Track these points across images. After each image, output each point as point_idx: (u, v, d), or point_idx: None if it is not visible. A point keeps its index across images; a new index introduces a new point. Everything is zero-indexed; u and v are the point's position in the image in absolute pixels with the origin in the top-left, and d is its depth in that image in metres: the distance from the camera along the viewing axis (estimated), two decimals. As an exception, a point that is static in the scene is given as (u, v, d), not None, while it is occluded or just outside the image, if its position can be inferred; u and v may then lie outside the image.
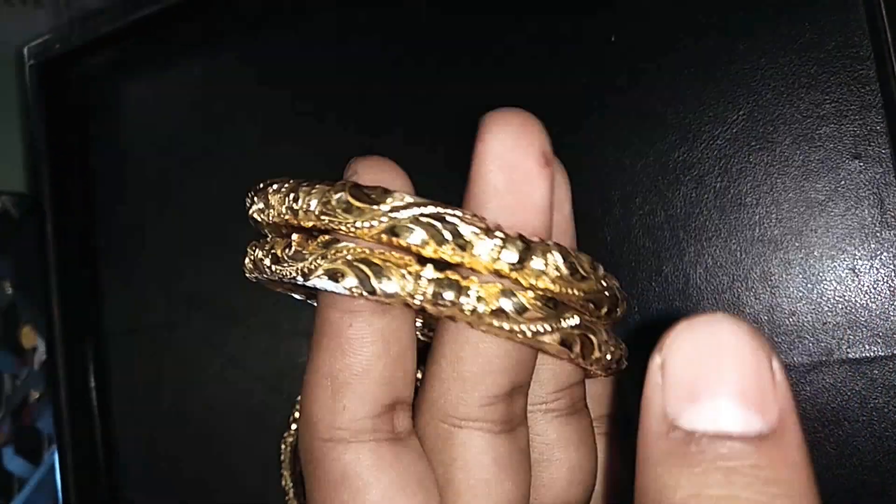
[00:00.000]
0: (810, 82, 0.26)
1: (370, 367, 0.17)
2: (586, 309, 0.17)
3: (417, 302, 0.16)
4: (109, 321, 0.42)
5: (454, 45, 0.32)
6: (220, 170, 0.38)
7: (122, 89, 0.41)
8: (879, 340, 0.25)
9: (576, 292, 0.16)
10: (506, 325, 0.16)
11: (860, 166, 0.25)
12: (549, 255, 0.16)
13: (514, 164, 0.16)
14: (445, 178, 0.33)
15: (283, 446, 0.34)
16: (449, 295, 0.16)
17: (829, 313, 0.26)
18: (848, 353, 0.25)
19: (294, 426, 0.34)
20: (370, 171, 0.18)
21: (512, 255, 0.16)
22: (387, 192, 0.16)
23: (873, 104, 0.25)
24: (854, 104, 0.26)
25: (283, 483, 0.34)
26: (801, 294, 0.26)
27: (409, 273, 0.16)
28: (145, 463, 0.41)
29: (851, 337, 0.25)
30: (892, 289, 0.25)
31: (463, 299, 0.16)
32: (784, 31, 0.26)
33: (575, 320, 0.17)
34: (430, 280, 0.16)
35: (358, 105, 0.35)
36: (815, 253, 0.26)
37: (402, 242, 0.16)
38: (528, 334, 0.16)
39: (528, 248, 0.16)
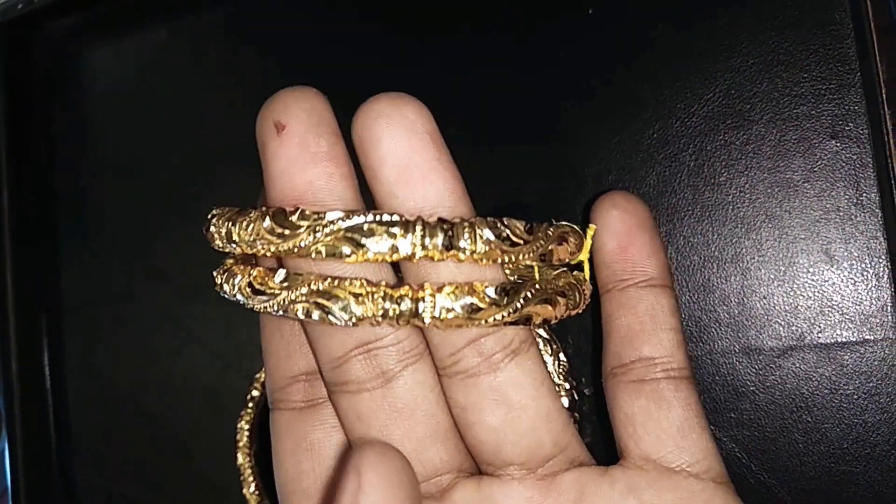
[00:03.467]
0: (789, 60, 0.25)
1: (268, 344, 0.20)
2: (542, 263, 0.17)
3: (381, 321, 0.17)
4: (65, 295, 0.40)
5: (433, 17, 0.32)
6: (184, 140, 0.37)
7: (87, 54, 0.40)
8: (851, 325, 0.24)
9: (519, 257, 0.17)
10: (465, 324, 0.17)
11: (837, 146, 0.25)
12: (477, 230, 0.17)
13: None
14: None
15: (239, 424, 0.33)
16: (406, 311, 0.17)
17: (802, 297, 0.25)
18: (819, 337, 0.25)
19: (251, 405, 0.33)
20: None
21: (438, 240, 0.16)
22: (304, 216, 0.17)
23: (852, 83, 0.25)
24: (833, 83, 0.25)
25: (239, 461, 0.33)
26: (773, 276, 0.25)
27: (368, 296, 0.17)
28: (98, 441, 0.39)
29: (823, 321, 0.25)
30: (865, 272, 0.24)
31: (422, 310, 0.17)
32: (764, 8, 0.26)
33: (527, 295, 0.17)
34: (387, 298, 0.17)
35: (331, 73, 0.34)
36: (789, 235, 0.25)
37: (338, 260, 0.17)
38: (489, 324, 0.17)
39: (451, 229, 0.16)
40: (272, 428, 0.20)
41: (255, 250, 0.17)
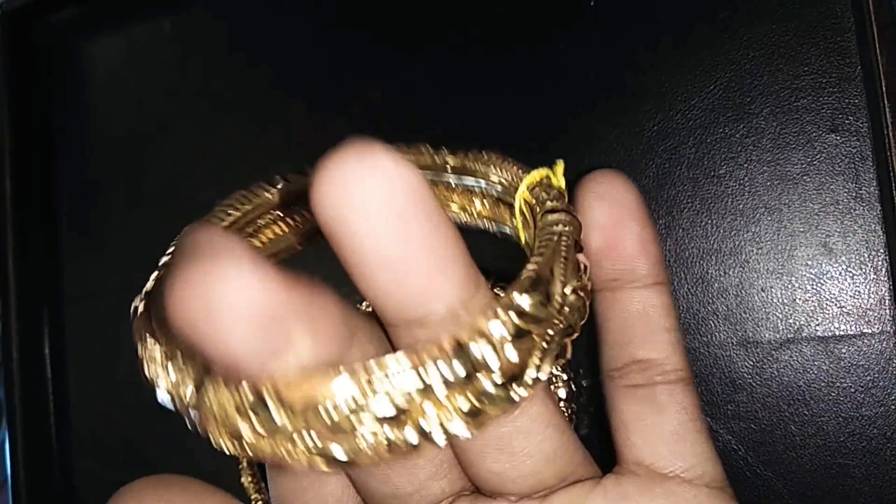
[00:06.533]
0: (790, 53, 0.25)
1: None
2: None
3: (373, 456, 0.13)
4: (67, 285, 0.41)
5: (430, 12, 0.32)
6: (186, 131, 0.37)
7: (89, 45, 0.40)
8: (849, 319, 0.24)
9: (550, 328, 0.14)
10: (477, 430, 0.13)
11: (837, 140, 0.25)
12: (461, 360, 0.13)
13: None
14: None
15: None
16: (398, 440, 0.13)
17: (800, 290, 0.25)
18: (817, 330, 0.25)
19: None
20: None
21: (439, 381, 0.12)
22: (264, 405, 0.12)
23: (852, 76, 0.25)
24: (833, 76, 0.25)
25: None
26: (771, 269, 0.25)
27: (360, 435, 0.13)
28: (98, 431, 0.40)
29: (821, 314, 0.25)
30: (864, 266, 0.24)
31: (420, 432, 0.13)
32: (765, 1, 0.26)
33: (536, 365, 0.14)
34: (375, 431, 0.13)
35: (333, 66, 0.34)
36: (788, 227, 0.25)
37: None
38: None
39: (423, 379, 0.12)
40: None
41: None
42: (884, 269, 0.24)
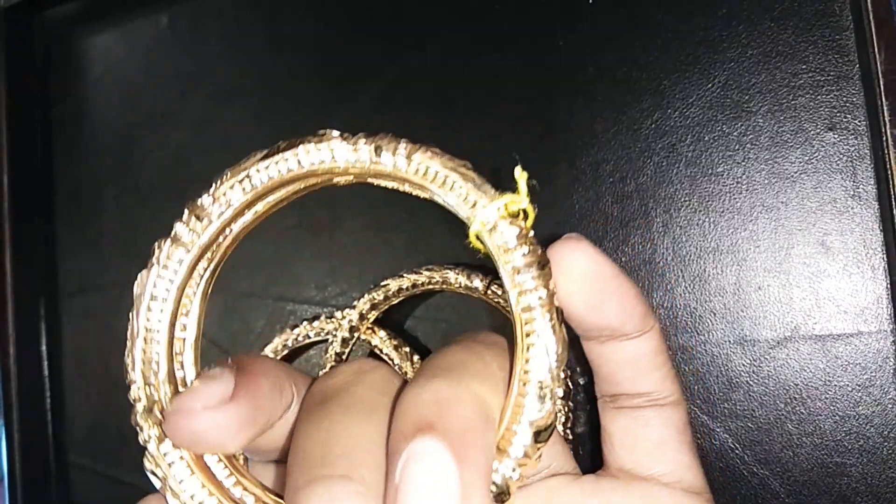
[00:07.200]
0: (788, 51, 0.25)
1: None
2: None
3: None
4: (63, 280, 0.40)
5: (429, 9, 0.31)
6: (181, 127, 0.37)
7: (86, 40, 0.40)
8: (846, 317, 0.24)
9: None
10: None
11: (834, 138, 0.25)
12: None
13: None
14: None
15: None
16: None
17: (797, 288, 0.25)
18: (814, 329, 0.25)
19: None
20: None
21: None
22: None
23: (850, 75, 0.25)
24: (831, 74, 0.25)
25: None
26: (769, 268, 0.25)
27: None
28: (93, 426, 0.39)
29: (818, 313, 0.25)
30: (861, 264, 0.24)
31: None
32: (764, -1, 0.26)
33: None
34: None
35: (332, 62, 0.34)
36: (786, 226, 0.25)
37: None
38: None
39: None
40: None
41: None
42: (881, 268, 0.24)
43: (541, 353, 0.15)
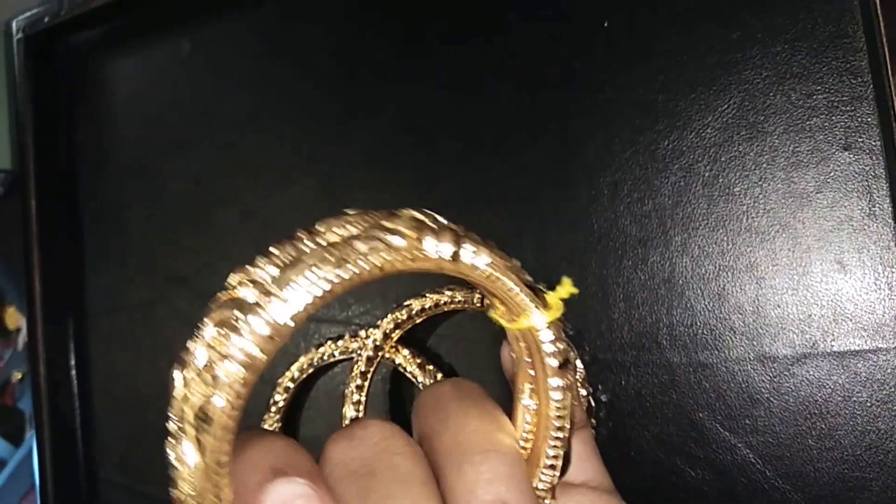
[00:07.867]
0: (802, 72, 0.26)
1: None
2: None
3: None
4: (91, 300, 0.41)
5: (449, 27, 0.32)
6: (205, 148, 0.38)
7: (110, 65, 0.40)
8: (864, 333, 0.25)
9: None
10: None
11: (850, 158, 0.25)
12: None
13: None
14: (432, 166, 0.33)
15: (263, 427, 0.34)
16: None
17: (815, 305, 0.25)
18: (832, 345, 0.25)
19: (273, 409, 0.34)
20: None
21: None
22: None
23: (865, 95, 0.25)
24: (846, 95, 0.25)
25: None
26: (786, 286, 0.26)
27: None
28: (122, 442, 0.40)
29: (836, 330, 0.25)
30: (878, 281, 0.25)
31: None
32: (777, 21, 0.26)
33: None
34: None
35: (352, 86, 0.34)
36: (803, 244, 0.26)
37: None
38: None
39: None
40: None
41: None
42: (898, 285, 0.25)
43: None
